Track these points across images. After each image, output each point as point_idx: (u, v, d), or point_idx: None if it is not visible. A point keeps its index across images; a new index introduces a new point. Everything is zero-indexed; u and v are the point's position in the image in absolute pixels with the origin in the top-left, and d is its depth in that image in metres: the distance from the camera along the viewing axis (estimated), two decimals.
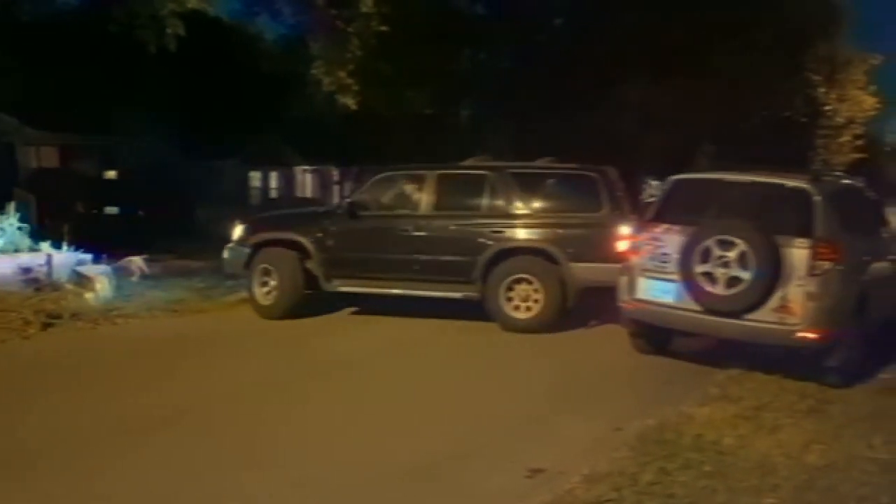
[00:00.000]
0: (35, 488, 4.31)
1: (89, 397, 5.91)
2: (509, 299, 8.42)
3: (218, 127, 20.72)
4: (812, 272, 6.20)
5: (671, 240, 6.84)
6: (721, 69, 18.75)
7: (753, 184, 7.10)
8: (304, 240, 8.96)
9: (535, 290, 8.36)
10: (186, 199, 17.64)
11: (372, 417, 5.58)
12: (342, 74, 13.40)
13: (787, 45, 20.17)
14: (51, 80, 18.25)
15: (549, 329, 8.25)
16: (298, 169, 24.56)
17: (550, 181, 9.03)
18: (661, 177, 18.79)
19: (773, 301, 6.28)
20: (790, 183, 6.84)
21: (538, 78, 19.05)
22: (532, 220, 8.63)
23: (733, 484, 4.33)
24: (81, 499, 4.22)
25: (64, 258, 9.86)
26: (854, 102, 27.84)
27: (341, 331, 8.62)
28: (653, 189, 21.33)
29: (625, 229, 7.83)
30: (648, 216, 7.28)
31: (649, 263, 6.99)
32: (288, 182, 24.51)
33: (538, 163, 9.26)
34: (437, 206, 8.85)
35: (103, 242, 10.63)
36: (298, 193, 24.20)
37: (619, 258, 7.54)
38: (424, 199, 8.90)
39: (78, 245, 10.32)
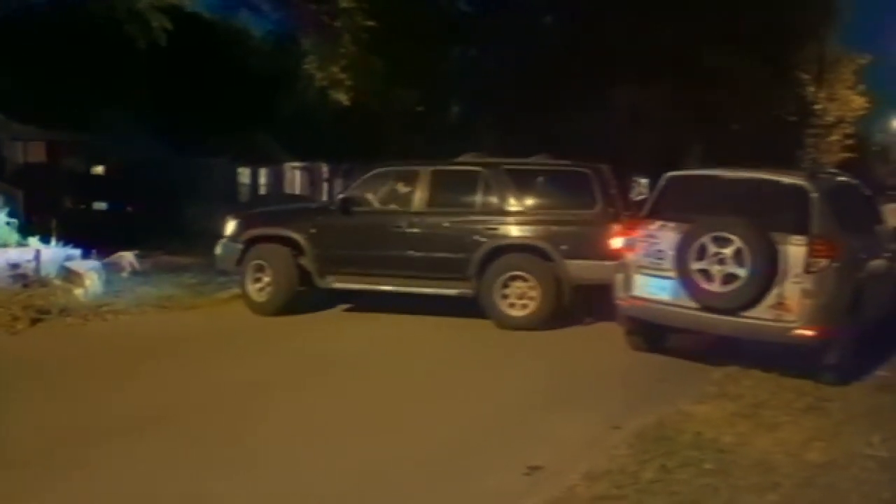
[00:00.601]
0: (17, 486, 4.20)
1: (77, 394, 5.81)
2: (504, 297, 8.37)
3: (207, 124, 20.60)
4: (809, 269, 6.19)
5: (666, 237, 6.82)
6: (710, 69, 18.79)
7: (749, 180, 7.10)
8: (297, 236, 8.89)
9: (531, 288, 8.31)
10: (175, 195, 17.51)
11: (366, 416, 5.51)
12: (335, 70, 13.30)
13: (776, 45, 20.23)
14: (38, 75, 18.07)
15: (545, 326, 8.22)
16: (288, 166, 24.47)
17: (544, 178, 8.99)
18: (649, 176, 18.88)
19: (770, 298, 6.26)
20: (786, 180, 6.84)
21: (527, 76, 19.03)
22: (526, 217, 8.59)
23: (734, 482, 4.30)
24: (62, 499, 4.13)
25: (52, 253, 9.72)
26: (843, 102, 28.07)
27: (334, 328, 8.55)
28: (641, 188, 21.40)
29: (619, 226, 7.80)
30: (643, 213, 7.25)
31: (645, 260, 6.96)
32: (277, 179, 24.42)
33: (532, 159, 9.21)
34: (431, 202, 8.79)
35: (91, 238, 10.50)
36: (288, 190, 24.11)
37: (614, 255, 7.52)
38: (418, 195, 8.84)
39: (66, 240, 10.20)
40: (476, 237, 8.52)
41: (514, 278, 8.36)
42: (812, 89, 24.93)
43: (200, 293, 9.83)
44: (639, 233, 7.11)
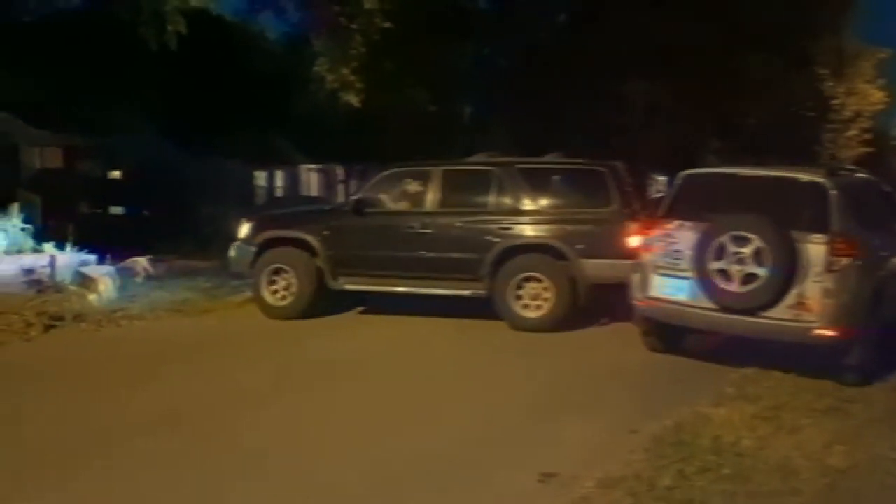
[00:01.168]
0: (34, 493, 4.20)
1: (88, 401, 5.79)
2: (518, 297, 8.28)
3: (222, 126, 20.63)
4: (829, 268, 6.07)
5: (684, 236, 6.71)
6: (727, 64, 18.59)
7: (767, 178, 6.98)
8: (310, 237, 8.84)
9: (545, 289, 8.22)
10: (192, 198, 17.55)
11: (377, 420, 5.45)
12: (345, 72, 13.27)
13: (794, 40, 19.98)
14: (54, 80, 18.17)
15: (560, 328, 8.12)
16: (303, 168, 24.47)
17: (558, 176, 8.90)
18: (667, 173, 18.72)
19: (790, 298, 6.15)
20: (805, 177, 6.71)
21: (542, 74, 18.92)
22: (540, 217, 8.50)
23: (754, 488, 4.20)
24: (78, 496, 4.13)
25: (67, 259, 9.77)
26: (862, 96, 27.69)
27: (348, 330, 8.50)
28: (660, 185, 21.22)
29: (635, 225, 7.70)
30: (660, 212, 7.14)
31: (662, 260, 6.86)
32: (293, 181, 24.42)
33: (545, 158, 9.12)
34: (444, 202, 8.72)
35: (108, 243, 10.53)
36: (304, 192, 24.11)
37: (630, 254, 7.42)
38: (430, 195, 8.77)
39: (82, 245, 10.23)
40: (489, 237, 8.44)
41: (528, 279, 8.27)
42: (830, 84, 24.60)
43: (215, 297, 9.82)
44: (656, 232, 7.01)
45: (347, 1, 12.82)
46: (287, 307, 8.78)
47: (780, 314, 6.18)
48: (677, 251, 6.75)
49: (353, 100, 13.84)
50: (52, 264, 9.42)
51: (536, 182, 8.67)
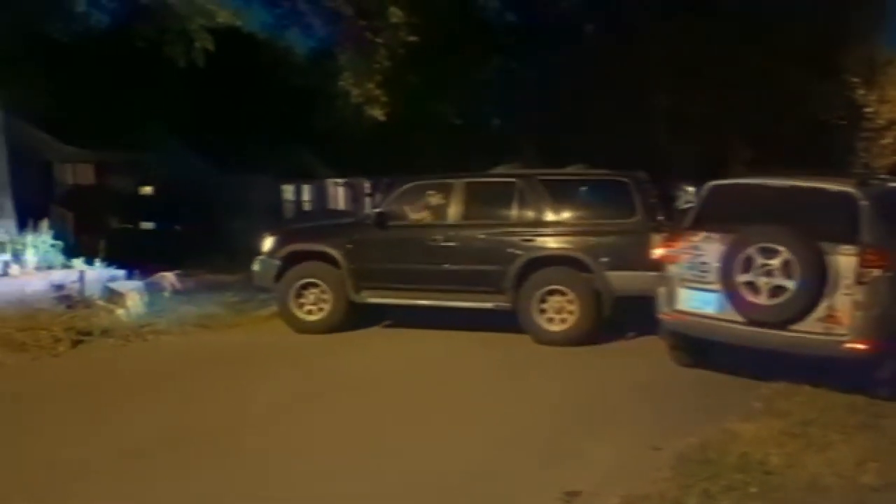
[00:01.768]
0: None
1: (113, 418, 5.83)
2: (542, 311, 8.20)
3: (250, 142, 20.86)
4: (860, 280, 5.92)
5: (711, 248, 6.59)
6: (757, 74, 18.38)
7: (795, 188, 6.82)
8: (333, 251, 8.84)
9: (570, 302, 8.13)
10: (221, 213, 17.73)
11: (399, 435, 5.43)
12: (370, 86, 13.33)
13: (825, 48, 19.70)
14: (86, 97, 18.51)
15: (584, 341, 8.03)
16: (330, 182, 24.64)
17: (581, 188, 8.84)
18: (696, 183, 18.51)
19: (819, 311, 6.00)
20: (834, 187, 6.56)
21: (568, 86, 18.85)
22: (563, 228, 8.42)
23: None
24: None
25: (96, 274, 9.88)
26: (895, 104, 27.20)
27: (374, 345, 8.49)
28: (689, 196, 20.99)
29: (661, 236, 7.59)
30: (686, 224, 7.03)
31: (688, 273, 6.74)
32: (320, 195, 24.60)
33: (569, 169, 9.06)
34: (466, 215, 8.69)
35: (138, 258, 10.64)
36: (331, 206, 24.27)
37: (655, 266, 7.31)
38: (453, 208, 8.74)
39: (112, 261, 10.34)
40: (512, 249, 8.38)
41: (552, 292, 8.19)
42: (862, 92, 24.21)
43: (242, 311, 9.86)
44: (682, 244, 6.90)
45: (373, 15, 12.88)
46: (318, 321, 8.79)
47: (809, 327, 6.04)
48: (704, 263, 6.63)
49: (378, 114, 13.89)
50: (81, 279, 9.53)
51: (559, 193, 8.60)
